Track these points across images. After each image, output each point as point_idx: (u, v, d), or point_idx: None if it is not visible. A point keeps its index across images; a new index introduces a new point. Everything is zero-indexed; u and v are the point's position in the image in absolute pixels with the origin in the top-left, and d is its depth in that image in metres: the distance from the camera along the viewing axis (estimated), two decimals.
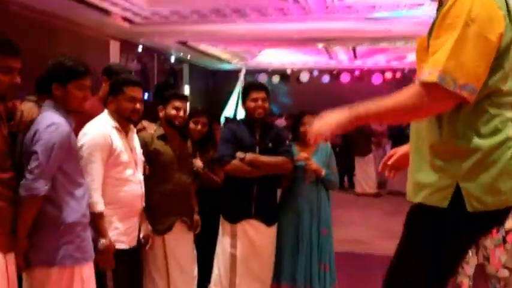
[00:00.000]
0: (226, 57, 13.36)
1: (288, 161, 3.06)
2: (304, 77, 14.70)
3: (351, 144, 9.50)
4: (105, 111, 2.61)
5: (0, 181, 1.99)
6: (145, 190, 2.78)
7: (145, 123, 3.03)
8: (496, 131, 1.31)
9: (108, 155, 2.46)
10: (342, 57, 12.77)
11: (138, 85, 2.64)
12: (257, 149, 3.06)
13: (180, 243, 2.99)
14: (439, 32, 1.28)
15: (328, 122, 1.39)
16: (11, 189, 2.03)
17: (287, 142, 3.16)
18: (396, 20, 7.59)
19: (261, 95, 3.06)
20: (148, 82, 14.39)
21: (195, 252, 3.13)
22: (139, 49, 13.31)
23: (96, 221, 2.38)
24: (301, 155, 3.17)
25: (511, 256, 2.96)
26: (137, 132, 2.89)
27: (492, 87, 1.32)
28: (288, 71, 14.82)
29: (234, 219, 3.08)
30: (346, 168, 10.02)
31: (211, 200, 3.24)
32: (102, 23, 8.54)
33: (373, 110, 1.36)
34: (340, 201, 8.78)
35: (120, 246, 2.51)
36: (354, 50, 11.70)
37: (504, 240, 2.93)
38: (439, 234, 1.35)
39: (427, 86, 1.27)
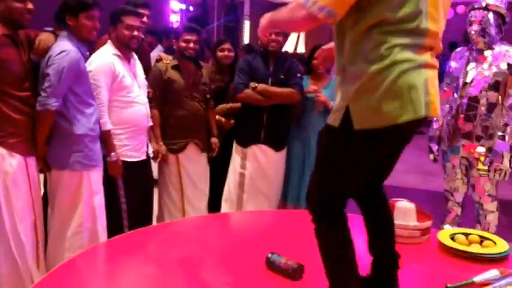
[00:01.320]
0: None
1: (297, 92, 3.21)
2: None
3: None
4: (108, 41, 2.86)
5: (19, 98, 2.35)
6: (161, 115, 3.15)
7: (162, 54, 3.31)
8: (381, 57, 1.37)
9: (112, 80, 2.74)
10: None
11: (135, 14, 2.84)
12: (269, 80, 3.24)
13: (192, 163, 3.31)
14: None
15: (261, 24, 1.61)
16: (28, 106, 2.39)
17: (298, 75, 3.29)
18: None
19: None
20: (208, 16, 14.44)
21: (207, 171, 3.45)
22: None
23: (105, 138, 2.73)
24: (311, 87, 3.32)
25: (494, 185, 3.07)
26: (155, 63, 3.21)
27: (379, 16, 1.38)
28: None
29: (244, 143, 3.33)
30: None
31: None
32: None
33: (272, 16, 1.57)
34: None
35: (130, 159, 2.86)
36: None
37: (489, 170, 3.02)
38: (334, 149, 1.49)
39: (297, 5, 1.42)
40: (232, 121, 3.51)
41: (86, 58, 2.66)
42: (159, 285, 1.89)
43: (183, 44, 3.19)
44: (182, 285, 1.86)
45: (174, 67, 3.21)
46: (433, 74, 1.48)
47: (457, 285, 1.85)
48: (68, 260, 2.08)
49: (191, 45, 3.19)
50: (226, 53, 3.49)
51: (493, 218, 3.11)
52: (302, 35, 11.18)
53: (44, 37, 2.47)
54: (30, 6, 2.32)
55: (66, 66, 2.37)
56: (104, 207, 2.68)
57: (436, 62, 1.50)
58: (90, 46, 2.68)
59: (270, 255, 2.00)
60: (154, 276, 1.95)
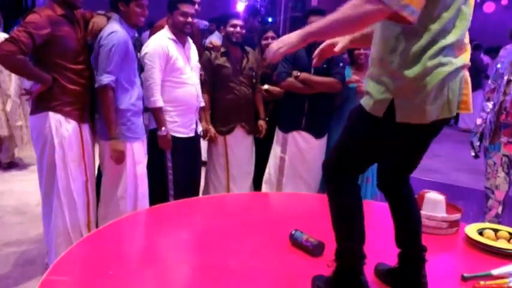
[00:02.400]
0: None
1: (338, 82, 3.25)
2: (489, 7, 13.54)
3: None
4: (166, 26, 3.05)
5: (74, 71, 2.59)
6: (212, 98, 3.34)
7: (213, 40, 3.47)
8: (427, 58, 1.44)
9: (166, 62, 2.93)
10: None
11: (190, 2, 3.00)
12: (312, 69, 3.30)
13: (239, 144, 3.47)
14: None
15: (283, 41, 1.55)
16: (82, 78, 2.63)
17: (341, 64, 3.34)
18: None
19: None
20: (276, 6, 14.47)
21: (253, 153, 3.58)
22: None
23: (156, 115, 2.93)
24: (353, 77, 3.35)
25: None
26: (206, 49, 3.40)
27: (432, 17, 1.43)
28: None
29: (286, 129, 3.42)
30: None
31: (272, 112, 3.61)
32: None
33: (323, 24, 1.48)
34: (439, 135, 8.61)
35: (178, 135, 3.05)
36: None
37: None
38: (370, 133, 1.58)
39: (359, 1, 1.39)
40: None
41: (136, 40, 2.86)
42: (192, 250, 2.06)
43: (230, 29, 3.35)
44: (214, 251, 2.00)
45: (223, 53, 3.37)
46: (467, 74, 1.56)
47: (472, 276, 1.88)
48: (113, 221, 2.29)
49: (238, 29, 3.33)
50: (269, 41, 3.57)
51: None
52: None
53: (98, 20, 2.70)
54: None
55: (115, 44, 2.57)
56: (146, 176, 2.88)
57: (468, 61, 1.56)
58: (145, 30, 2.87)
59: (293, 232, 2.12)
60: (189, 242, 2.13)
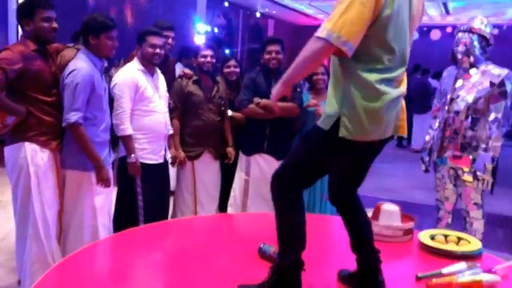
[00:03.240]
0: (312, 12, 13.38)
1: (297, 106, 3.44)
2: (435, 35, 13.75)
3: (410, 102, 9.48)
4: (135, 58, 3.18)
5: (48, 103, 2.67)
6: (181, 124, 3.45)
7: (185, 70, 3.62)
8: (370, 88, 1.66)
9: (135, 92, 3.05)
10: (432, 13, 11.88)
11: (158, 34, 3.15)
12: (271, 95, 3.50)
13: (206, 169, 3.58)
14: (335, 4, 1.62)
15: (274, 93, 1.78)
16: (56, 109, 2.71)
17: (298, 89, 3.53)
18: None
19: (275, 48, 3.46)
20: (233, 37, 14.82)
21: (219, 178, 3.71)
22: (226, 4, 13.57)
23: (126, 142, 3.02)
24: (311, 101, 3.56)
25: (479, 194, 3.24)
26: (179, 77, 3.54)
27: (370, 52, 1.65)
28: None
29: (249, 153, 3.58)
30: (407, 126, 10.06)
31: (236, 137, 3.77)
32: None
33: (291, 70, 1.71)
34: (392, 156, 8.99)
35: (148, 161, 3.15)
36: (445, 5, 10.86)
37: (474, 180, 3.20)
38: (318, 143, 1.76)
39: (319, 40, 1.60)
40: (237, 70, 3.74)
41: (104, 71, 2.93)
42: (165, 268, 2.14)
43: (201, 60, 3.51)
44: (186, 269, 2.09)
45: (195, 82, 3.52)
46: (403, 102, 1.82)
47: (426, 275, 2.05)
48: (84, 248, 2.34)
49: (208, 59, 3.50)
50: (232, 69, 3.75)
51: (478, 226, 3.26)
52: None
53: (66, 53, 2.78)
54: (55, 25, 2.66)
55: (79, 82, 2.63)
56: (109, 206, 2.94)
57: (405, 91, 1.80)
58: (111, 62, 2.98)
59: (262, 245, 2.24)
60: (162, 261, 2.21)
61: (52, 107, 2.69)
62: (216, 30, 14.06)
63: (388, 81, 1.69)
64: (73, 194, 2.79)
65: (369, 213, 2.66)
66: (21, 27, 2.68)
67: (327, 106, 1.77)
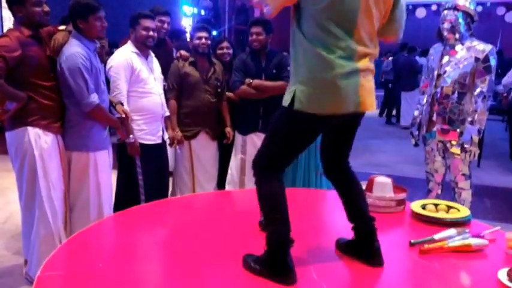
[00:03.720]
0: None
1: (287, 84, 3.53)
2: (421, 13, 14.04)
3: (398, 79, 9.59)
4: (128, 41, 3.23)
5: (47, 87, 2.71)
6: (178, 105, 3.51)
7: (182, 51, 3.66)
8: (326, 60, 1.67)
9: (131, 74, 3.10)
10: None
11: (150, 17, 3.19)
12: (263, 75, 3.55)
13: (203, 149, 3.66)
14: None
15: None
16: (55, 93, 2.75)
17: (288, 68, 3.61)
18: None
19: (256, 29, 3.53)
20: (220, 19, 14.75)
21: (217, 157, 3.78)
22: None
23: (124, 123, 3.06)
24: None
25: (466, 165, 3.36)
26: (176, 59, 3.59)
27: (324, 24, 1.67)
28: None
29: (244, 132, 3.66)
30: (395, 103, 10.20)
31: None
32: None
33: None
34: (382, 133, 9.14)
35: (146, 142, 3.21)
36: None
37: (461, 152, 3.32)
38: (282, 123, 1.79)
39: None
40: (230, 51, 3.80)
41: (96, 53, 2.94)
42: (172, 244, 2.23)
43: (197, 41, 3.55)
44: (190, 242, 2.17)
45: (191, 63, 3.57)
46: (365, 79, 1.78)
47: (419, 241, 2.16)
48: (89, 226, 2.40)
49: (203, 41, 3.54)
50: (224, 50, 3.80)
51: (466, 196, 3.39)
52: None
53: (59, 36, 2.78)
54: (46, 9, 2.68)
55: (80, 66, 2.68)
56: (109, 185, 3.02)
57: (371, 66, 1.80)
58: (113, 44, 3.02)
59: (262, 219, 2.33)
60: (167, 238, 2.30)
61: (51, 90, 2.73)
62: (202, 12, 14.01)
63: (341, 53, 1.69)
64: (78, 174, 2.86)
65: (363, 185, 2.78)
66: (13, 14, 2.68)
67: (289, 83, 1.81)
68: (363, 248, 1.97)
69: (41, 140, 2.69)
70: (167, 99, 3.48)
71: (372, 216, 1.99)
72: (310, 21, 1.70)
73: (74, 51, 2.70)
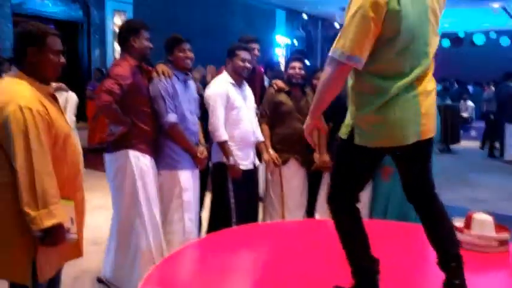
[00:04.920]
0: None
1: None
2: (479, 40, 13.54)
3: (501, 110, 9.01)
4: (224, 71, 3.40)
5: (147, 114, 2.94)
6: (271, 131, 3.62)
7: (277, 81, 3.75)
8: (379, 95, 1.69)
9: (226, 102, 3.26)
10: None
11: (247, 49, 3.35)
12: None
13: (293, 176, 3.68)
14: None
15: (305, 125, 1.92)
16: (152, 119, 2.96)
17: None
18: None
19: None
20: (312, 49, 14.90)
21: (306, 184, 3.77)
22: (304, 16, 13.66)
23: (223, 147, 3.22)
24: None
25: None
26: (268, 87, 3.72)
27: (380, 60, 1.68)
28: (461, 34, 13.84)
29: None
30: (499, 135, 9.55)
31: None
32: None
33: (316, 99, 1.80)
34: (483, 166, 8.59)
35: (240, 167, 3.30)
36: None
37: None
38: (344, 155, 1.86)
39: (331, 61, 1.67)
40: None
41: (186, 82, 3.15)
42: (264, 268, 2.27)
43: (291, 71, 3.65)
44: (282, 269, 2.21)
45: (285, 92, 3.67)
46: (428, 104, 1.76)
47: None
48: (185, 245, 2.53)
49: (297, 71, 3.63)
50: (316, 81, 3.84)
51: None
52: None
53: (164, 68, 3.03)
54: (151, 45, 2.96)
55: (160, 89, 2.95)
56: (194, 204, 3.14)
57: (429, 86, 1.77)
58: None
59: None
60: (254, 264, 2.35)
61: (149, 117, 2.97)
62: (295, 42, 14.28)
63: (398, 83, 1.69)
64: (166, 192, 3.04)
65: (461, 222, 2.63)
66: (124, 44, 2.95)
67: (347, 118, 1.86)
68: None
69: (140, 162, 2.90)
70: (260, 125, 3.58)
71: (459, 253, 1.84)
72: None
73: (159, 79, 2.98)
